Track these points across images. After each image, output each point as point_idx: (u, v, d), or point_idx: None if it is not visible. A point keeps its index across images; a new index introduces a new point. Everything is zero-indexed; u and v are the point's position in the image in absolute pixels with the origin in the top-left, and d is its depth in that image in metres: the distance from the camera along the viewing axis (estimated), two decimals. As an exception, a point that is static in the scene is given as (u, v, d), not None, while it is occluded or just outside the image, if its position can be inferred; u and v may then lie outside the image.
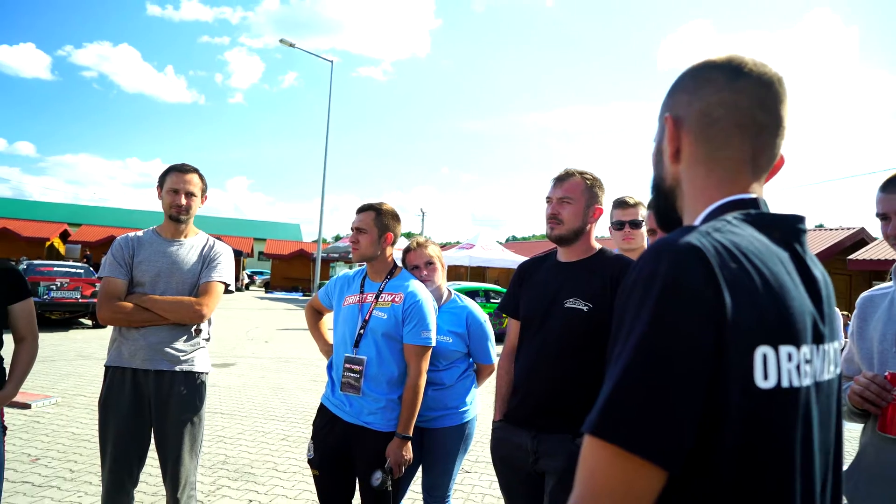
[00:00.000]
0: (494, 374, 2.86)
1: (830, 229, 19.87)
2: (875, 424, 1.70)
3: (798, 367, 0.80)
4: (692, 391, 0.72)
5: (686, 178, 0.96)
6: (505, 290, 14.51)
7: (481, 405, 3.15)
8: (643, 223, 2.90)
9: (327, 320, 3.14)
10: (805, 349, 0.81)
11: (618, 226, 2.98)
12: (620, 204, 3.00)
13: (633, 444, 0.70)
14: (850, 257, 17.04)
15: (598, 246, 2.40)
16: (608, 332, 2.23)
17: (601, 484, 0.71)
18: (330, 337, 2.98)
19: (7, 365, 2.57)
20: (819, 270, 0.92)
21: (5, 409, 2.55)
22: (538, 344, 2.30)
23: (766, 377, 0.76)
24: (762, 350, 0.76)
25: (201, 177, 2.91)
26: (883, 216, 1.76)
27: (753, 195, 0.92)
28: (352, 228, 2.74)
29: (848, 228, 19.20)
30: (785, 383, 0.78)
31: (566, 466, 2.15)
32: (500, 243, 27.52)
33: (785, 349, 0.78)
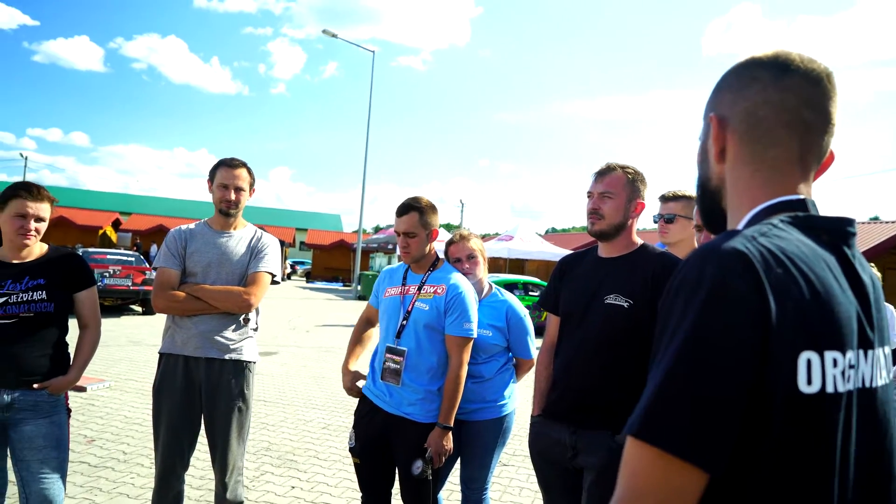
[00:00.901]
0: (534, 369, 2.87)
1: (886, 222, 19.10)
2: None
3: (843, 373, 0.79)
4: (735, 395, 0.72)
5: (731, 178, 0.95)
6: (544, 283, 14.39)
7: (520, 399, 3.16)
8: (675, 218, 2.86)
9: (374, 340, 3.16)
10: (850, 354, 0.80)
11: (655, 219, 2.96)
12: (660, 198, 2.97)
13: (675, 447, 0.71)
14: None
15: (639, 241, 2.38)
16: (648, 328, 2.24)
17: (643, 484, 0.73)
18: (363, 362, 2.96)
19: (71, 350, 2.71)
20: (867, 274, 0.90)
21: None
22: (578, 339, 2.30)
23: (809, 382, 0.76)
24: (806, 355, 0.76)
25: (249, 171, 2.99)
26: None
27: (801, 196, 0.91)
28: (397, 232, 2.77)
29: (905, 221, 18.42)
30: (829, 388, 0.78)
31: (605, 463, 2.15)
32: (540, 235, 27.33)
33: (830, 354, 0.78)
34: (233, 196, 2.90)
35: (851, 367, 0.81)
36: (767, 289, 0.75)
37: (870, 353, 0.85)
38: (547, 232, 52.21)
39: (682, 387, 0.72)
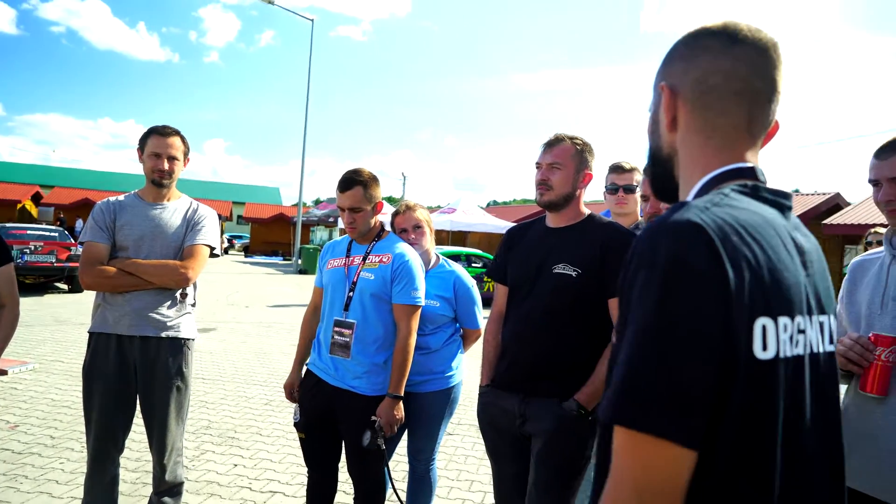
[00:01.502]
0: (481, 339, 2.88)
1: (806, 194, 20.16)
2: (857, 385, 1.74)
3: (791, 337, 0.81)
4: (704, 368, 0.72)
5: (683, 146, 0.96)
6: (486, 255, 14.51)
7: (466, 370, 3.17)
8: (637, 188, 2.89)
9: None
10: (799, 319, 0.82)
11: (612, 189, 2.97)
12: (616, 168, 2.99)
13: (652, 426, 0.70)
14: (824, 222, 17.34)
15: (587, 211, 2.39)
16: (597, 297, 2.25)
17: (629, 468, 0.72)
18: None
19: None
20: (811, 243, 0.93)
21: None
22: (526, 309, 2.30)
23: (765, 348, 0.76)
24: (762, 321, 0.76)
25: (183, 139, 2.83)
26: (874, 182, 1.77)
27: (750, 164, 0.92)
28: (341, 208, 2.69)
29: (823, 194, 19.49)
30: (782, 353, 0.79)
31: (552, 429, 2.18)
32: (482, 208, 27.48)
33: (782, 320, 0.79)
34: (166, 165, 2.74)
35: (801, 331, 0.82)
36: (725, 260, 0.75)
37: (814, 318, 0.87)
38: (489, 205, 52.63)
39: (648, 366, 0.72)
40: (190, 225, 2.80)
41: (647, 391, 0.71)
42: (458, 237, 25.09)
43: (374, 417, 2.54)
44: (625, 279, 0.81)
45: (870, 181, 1.80)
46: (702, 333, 0.72)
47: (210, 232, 2.84)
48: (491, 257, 16.57)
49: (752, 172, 0.91)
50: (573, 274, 2.22)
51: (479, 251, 16.99)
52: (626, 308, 0.79)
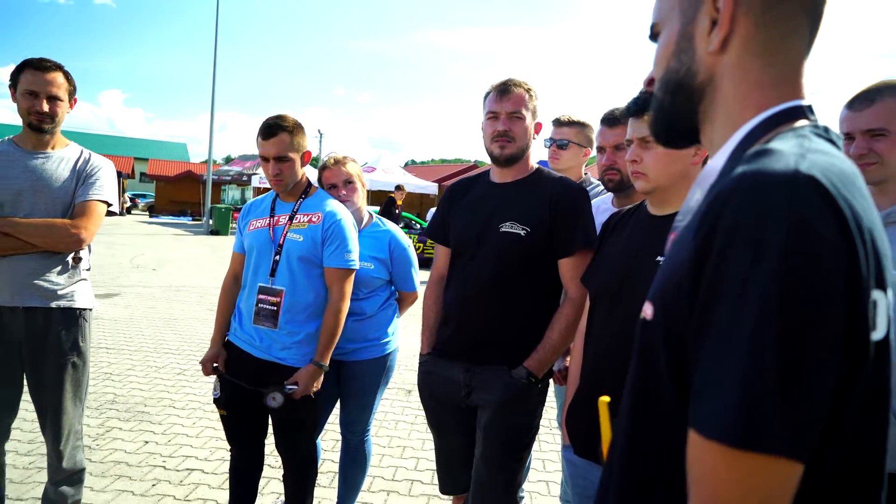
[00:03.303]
0: (417, 303, 2.69)
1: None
2: None
3: (889, 313, 0.66)
4: (830, 368, 0.57)
5: (733, 73, 0.75)
6: (408, 215, 14.28)
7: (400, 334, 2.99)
8: (568, 144, 2.74)
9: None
10: (890, 294, 0.66)
11: (547, 143, 2.81)
12: (553, 121, 2.82)
13: (782, 447, 0.55)
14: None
15: (535, 164, 2.23)
16: (547, 257, 2.10)
17: (737, 492, 0.57)
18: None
19: None
20: None
21: None
22: (472, 272, 2.13)
23: (875, 327, 0.61)
24: (874, 296, 0.61)
25: (67, 75, 2.41)
26: (847, 136, 1.69)
27: (808, 101, 0.74)
28: (265, 158, 2.39)
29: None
30: (891, 333, 0.64)
31: (501, 399, 2.05)
32: (400, 168, 27.07)
33: (889, 294, 0.64)
34: (45, 106, 2.32)
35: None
36: (851, 224, 0.58)
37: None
38: (407, 164, 52.01)
39: (777, 375, 0.55)
40: (81, 178, 2.41)
41: (772, 410, 0.55)
42: (379, 196, 24.66)
43: (288, 385, 2.31)
44: (702, 253, 0.62)
45: (841, 134, 1.72)
46: (832, 323, 0.56)
47: (106, 185, 2.46)
48: (413, 217, 16.36)
49: (812, 112, 0.73)
50: (522, 232, 2.06)
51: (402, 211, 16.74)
52: (716, 290, 0.60)
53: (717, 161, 0.74)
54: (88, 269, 2.50)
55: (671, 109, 0.83)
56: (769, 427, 0.55)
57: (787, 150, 0.63)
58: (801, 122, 0.71)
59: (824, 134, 0.70)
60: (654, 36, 0.85)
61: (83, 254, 2.45)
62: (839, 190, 0.59)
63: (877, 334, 0.61)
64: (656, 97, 0.85)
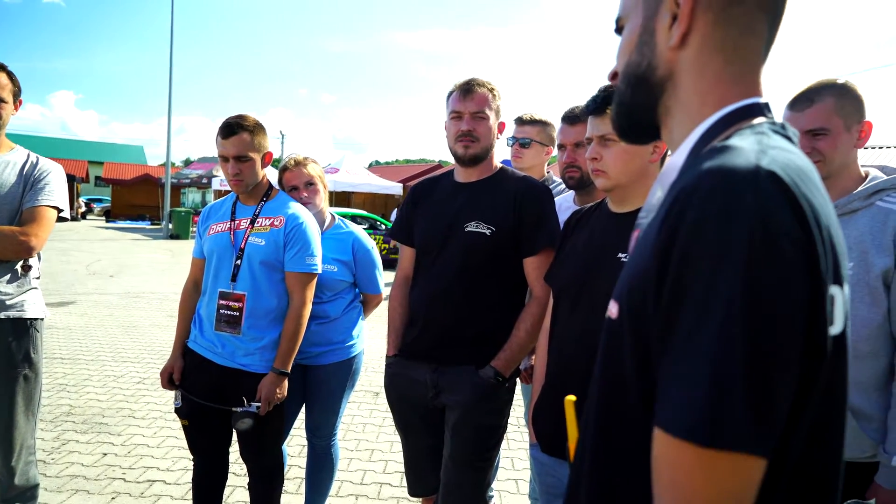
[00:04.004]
0: (382, 305, 2.67)
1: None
2: None
3: (845, 308, 0.67)
4: (794, 364, 0.57)
5: (692, 69, 0.75)
6: (372, 215, 14.22)
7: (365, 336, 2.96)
8: (531, 143, 2.75)
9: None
10: (846, 289, 0.68)
11: (509, 142, 2.82)
12: (515, 120, 2.83)
13: (747, 444, 0.55)
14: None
15: (499, 164, 2.23)
16: (513, 256, 2.11)
17: (702, 491, 0.57)
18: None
19: None
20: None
21: None
22: (438, 272, 2.12)
23: (832, 322, 0.62)
24: (831, 291, 0.62)
25: (10, 75, 2.31)
26: (560, 146, 1.74)
27: (766, 99, 0.75)
28: (225, 157, 2.33)
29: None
30: (846, 327, 0.65)
31: (469, 399, 2.05)
32: (365, 168, 26.91)
33: (846, 289, 0.66)
34: None
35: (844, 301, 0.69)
36: (810, 219, 0.59)
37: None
38: (371, 165, 51.69)
39: (744, 371, 0.55)
40: (29, 183, 2.32)
41: (739, 406, 0.55)
42: (342, 198, 24.46)
43: (253, 404, 2.27)
44: (665, 251, 0.62)
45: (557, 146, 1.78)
46: (798, 324, 0.57)
47: (56, 190, 2.37)
48: (377, 218, 16.29)
49: (769, 110, 0.74)
50: (487, 232, 2.06)
51: (364, 212, 16.65)
52: (679, 287, 0.60)
53: (678, 158, 0.75)
54: (38, 278, 2.41)
55: (632, 102, 0.83)
56: (736, 424, 0.55)
57: (747, 146, 0.63)
58: (759, 119, 0.71)
59: (781, 131, 0.71)
60: (619, 30, 0.85)
61: (33, 262, 2.36)
62: (798, 186, 0.60)
63: (834, 329, 0.62)
64: (619, 90, 0.84)
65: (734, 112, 0.72)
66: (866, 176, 1.72)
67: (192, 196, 29.78)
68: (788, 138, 0.71)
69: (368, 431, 4.29)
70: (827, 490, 0.67)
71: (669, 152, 0.82)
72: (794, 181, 0.60)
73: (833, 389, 0.64)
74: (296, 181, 2.65)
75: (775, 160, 0.61)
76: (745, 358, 0.55)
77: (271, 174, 2.61)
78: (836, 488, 0.68)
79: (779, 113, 1.69)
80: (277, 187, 2.57)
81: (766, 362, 0.55)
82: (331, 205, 2.81)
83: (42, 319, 2.39)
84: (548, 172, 2.88)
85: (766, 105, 0.74)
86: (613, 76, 0.86)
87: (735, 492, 0.57)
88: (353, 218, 15.28)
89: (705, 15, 0.73)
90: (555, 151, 2.64)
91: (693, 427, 0.56)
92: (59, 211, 2.38)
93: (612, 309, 0.74)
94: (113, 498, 3.13)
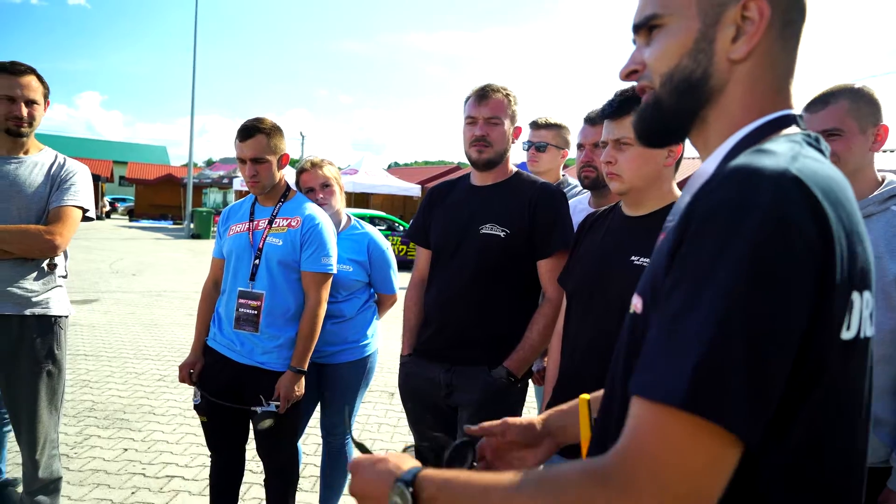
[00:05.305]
0: (397, 306, 2.70)
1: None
2: None
3: (871, 315, 0.69)
4: (787, 352, 0.59)
5: (745, 80, 0.76)
6: (391, 217, 14.30)
7: (379, 336, 2.99)
8: (547, 147, 2.77)
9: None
10: (868, 295, 0.69)
11: (525, 146, 2.84)
12: (531, 124, 2.85)
13: (731, 420, 0.56)
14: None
15: (514, 168, 2.25)
16: (526, 258, 2.12)
17: (677, 463, 0.57)
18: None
19: None
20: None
21: None
22: (453, 273, 2.15)
23: (848, 327, 0.63)
24: (852, 297, 0.64)
25: (40, 78, 2.38)
26: (579, 146, 1.73)
27: (797, 111, 0.77)
28: (243, 160, 2.38)
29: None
30: (862, 333, 0.66)
31: (481, 399, 2.07)
32: (384, 170, 27.05)
33: (866, 295, 0.67)
34: (24, 111, 2.30)
35: (869, 308, 0.70)
36: (833, 223, 0.61)
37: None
38: (390, 166, 51.93)
39: (733, 344, 0.56)
40: (56, 183, 2.38)
41: (731, 378, 0.56)
42: (361, 199, 24.60)
43: (271, 402, 2.31)
44: (682, 231, 0.64)
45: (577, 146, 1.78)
46: (793, 307, 0.58)
47: (81, 190, 2.43)
48: (395, 219, 16.35)
49: (802, 121, 0.77)
50: (502, 234, 2.08)
51: (382, 213, 16.73)
52: (685, 264, 0.62)
53: (710, 165, 0.76)
54: (64, 276, 2.47)
55: (675, 108, 0.80)
56: (723, 395, 0.56)
57: (781, 151, 0.66)
58: (793, 129, 0.73)
59: (815, 143, 0.73)
60: (650, 27, 0.81)
61: (58, 260, 2.42)
62: (825, 194, 0.62)
63: (848, 333, 0.63)
64: (657, 93, 0.80)
65: (770, 122, 0.74)
66: (883, 180, 1.71)
67: (213, 196, 30.14)
68: (821, 150, 0.72)
69: (384, 431, 4.32)
70: (837, 498, 0.67)
71: (700, 157, 0.82)
72: (820, 189, 0.62)
73: (845, 395, 0.65)
74: (312, 183, 2.69)
75: (805, 167, 0.63)
76: (746, 341, 0.56)
77: (289, 175, 2.65)
78: (850, 498, 0.68)
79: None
80: (295, 188, 2.61)
81: (764, 342, 0.57)
82: (350, 206, 2.85)
83: (66, 317, 2.46)
84: (563, 175, 2.89)
85: (800, 116, 0.76)
86: (628, 75, 0.84)
87: (702, 467, 0.57)
88: (371, 219, 15.36)
89: (769, 31, 0.75)
90: (571, 154, 2.64)
91: (674, 391, 0.57)
92: (84, 211, 2.44)
93: (637, 303, 0.76)
94: (133, 492, 3.19)
